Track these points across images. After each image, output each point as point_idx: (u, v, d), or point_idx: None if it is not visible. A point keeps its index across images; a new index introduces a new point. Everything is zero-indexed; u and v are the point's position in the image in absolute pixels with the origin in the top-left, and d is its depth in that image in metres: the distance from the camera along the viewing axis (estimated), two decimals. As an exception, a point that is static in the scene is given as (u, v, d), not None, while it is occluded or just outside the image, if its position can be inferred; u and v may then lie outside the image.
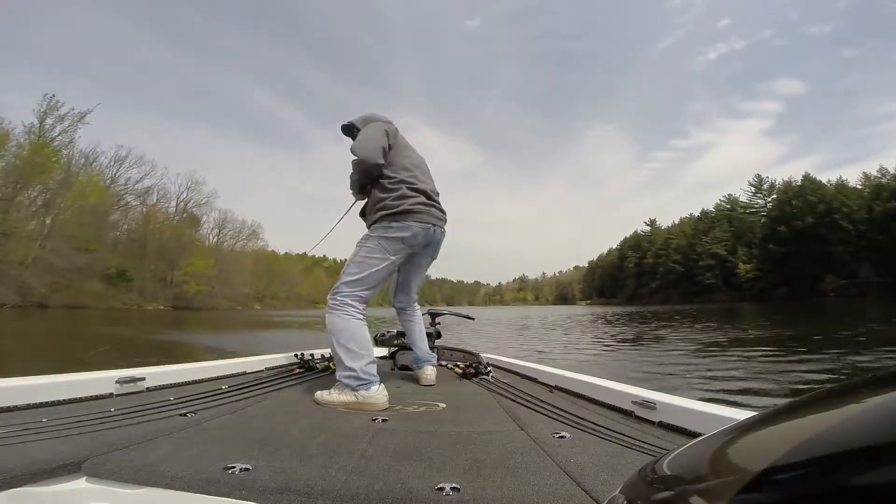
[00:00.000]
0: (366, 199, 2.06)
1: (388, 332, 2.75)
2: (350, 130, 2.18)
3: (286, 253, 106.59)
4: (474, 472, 0.92)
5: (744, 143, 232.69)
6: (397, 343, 2.72)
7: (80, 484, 0.85)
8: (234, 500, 0.78)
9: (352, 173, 2.01)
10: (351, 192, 2.13)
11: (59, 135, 41.76)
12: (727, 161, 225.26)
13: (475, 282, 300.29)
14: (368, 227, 2.01)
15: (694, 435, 1.23)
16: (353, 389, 1.68)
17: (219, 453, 0.97)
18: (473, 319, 3.03)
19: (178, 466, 0.88)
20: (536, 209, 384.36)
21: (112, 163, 51.05)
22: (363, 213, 2.09)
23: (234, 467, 0.87)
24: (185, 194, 61.30)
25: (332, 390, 1.73)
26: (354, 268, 1.88)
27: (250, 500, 0.78)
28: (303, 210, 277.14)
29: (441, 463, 0.98)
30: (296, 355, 2.57)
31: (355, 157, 1.92)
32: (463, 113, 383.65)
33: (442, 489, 0.82)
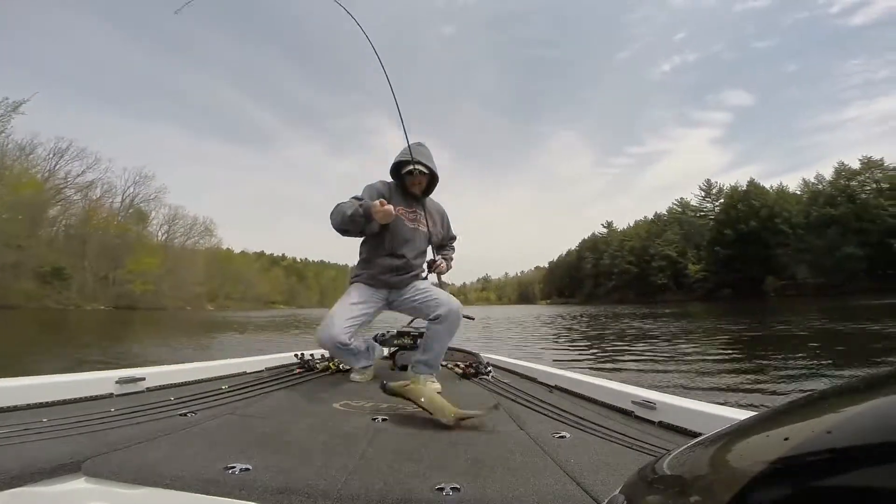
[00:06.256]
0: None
1: (388, 332, 2.76)
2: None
3: (242, 251, 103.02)
4: (474, 472, 0.92)
5: (696, 151, 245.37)
6: (397, 343, 2.75)
7: (80, 484, 0.84)
8: (234, 500, 0.78)
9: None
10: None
11: (-11, 126, 38.17)
12: (680, 167, 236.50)
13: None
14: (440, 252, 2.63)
15: (694, 435, 1.23)
16: None
17: (219, 453, 0.96)
18: (473, 319, 3.00)
19: (178, 466, 0.87)
20: (501, 211, 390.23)
21: (51, 155, 46.87)
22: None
23: (234, 467, 0.87)
24: (131, 189, 57.85)
25: None
26: None
27: (250, 500, 0.78)
28: (264, 209, 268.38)
29: (441, 463, 0.98)
30: (296, 355, 2.60)
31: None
32: (431, 115, 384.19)
33: (442, 489, 0.82)
